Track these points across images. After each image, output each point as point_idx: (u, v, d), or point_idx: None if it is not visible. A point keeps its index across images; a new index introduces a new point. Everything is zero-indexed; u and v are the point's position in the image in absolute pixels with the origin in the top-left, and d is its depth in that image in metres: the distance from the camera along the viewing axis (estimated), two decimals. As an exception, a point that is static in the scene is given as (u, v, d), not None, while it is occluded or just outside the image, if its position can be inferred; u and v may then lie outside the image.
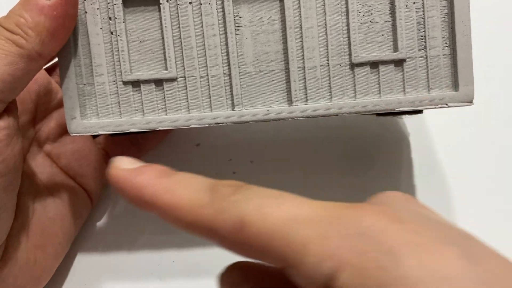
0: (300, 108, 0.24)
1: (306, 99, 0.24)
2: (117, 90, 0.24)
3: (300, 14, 0.24)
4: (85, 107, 0.24)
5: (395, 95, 0.24)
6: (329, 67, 0.24)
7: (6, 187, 0.22)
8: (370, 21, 0.24)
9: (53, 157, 0.28)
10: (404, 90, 0.24)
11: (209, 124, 0.24)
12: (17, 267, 0.25)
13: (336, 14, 0.24)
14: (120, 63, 0.24)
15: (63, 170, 0.28)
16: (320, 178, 0.31)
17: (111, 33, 0.24)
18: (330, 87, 0.24)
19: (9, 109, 0.23)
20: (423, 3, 0.24)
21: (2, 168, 0.22)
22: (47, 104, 0.28)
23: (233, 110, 0.24)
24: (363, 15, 0.24)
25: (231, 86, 0.24)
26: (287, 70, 0.24)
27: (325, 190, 0.31)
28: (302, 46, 0.24)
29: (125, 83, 0.24)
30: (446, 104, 0.24)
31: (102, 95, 0.24)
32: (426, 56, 0.24)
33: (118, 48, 0.24)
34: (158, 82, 0.24)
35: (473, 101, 0.24)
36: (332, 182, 0.31)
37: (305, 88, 0.24)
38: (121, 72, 0.24)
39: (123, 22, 0.24)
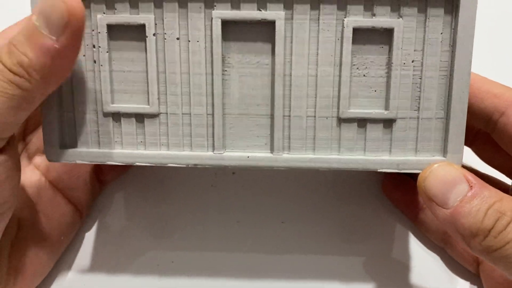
0: (282, 158, 0.23)
1: (289, 148, 0.23)
2: (97, 120, 0.23)
3: (291, 61, 0.22)
4: (64, 134, 0.24)
5: (380, 154, 0.23)
6: (315, 119, 0.23)
7: None
8: (364, 75, 0.23)
9: (43, 169, 0.28)
10: (390, 150, 0.23)
11: (187, 165, 0.23)
12: None
13: (329, 65, 0.22)
14: (101, 93, 0.23)
15: (52, 183, 0.28)
16: (313, 184, 0.32)
17: (94, 61, 0.23)
18: (314, 138, 0.23)
19: (9, 143, 0.22)
20: (422, 62, 0.22)
21: None
22: (38, 116, 0.27)
23: (213, 152, 0.23)
24: (357, 68, 0.23)
25: (213, 127, 0.23)
26: (272, 116, 0.23)
27: (318, 197, 0.31)
28: (290, 94, 0.23)
29: (105, 114, 0.23)
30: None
31: (82, 124, 0.23)
32: (418, 118, 0.23)
33: (100, 78, 0.23)
34: (139, 116, 0.23)
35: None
36: (325, 190, 0.31)
37: (289, 137, 0.23)
38: (101, 103, 0.23)
39: (107, 52, 0.23)
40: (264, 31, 0.22)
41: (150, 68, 0.23)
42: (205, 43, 0.22)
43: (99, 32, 0.22)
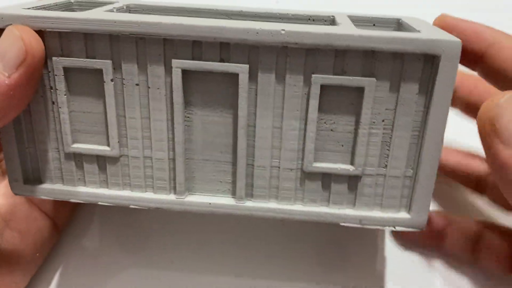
0: (244, 206, 0.23)
1: (252, 196, 0.23)
2: (59, 158, 0.23)
3: (255, 113, 0.21)
4: (28, 170, 0.23)
5: (344, 208, 0.23)
6: (279, 170, 0.22)
7: None
8: (331, 130, 0.22)
9: None
10: (354, 205, 0.23)
11: (149, 208, 0.23)
12: None
13: (294, 119, 0.21)
14: (61, 133, 0.22)
15: (28, 198, 0.27)
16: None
17: (53, 102, 0.22)
18: (278, 188, 0.23)
19: None
20: (393, 122, 0.21)
21: None
22: None
23: (175, 196, 0.23)
24: (325, 122, 0.21)
25: (175, 172, 0.23)
26: (235, 164, 0.22)
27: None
28: (254, 144, 0.22)
29: (67, 154, 0.23)
30: (394, 227, 0.23)
31: (45, 160, 0.23)
32: (385, 175, 0.22)
33: (59, 119, 0.22)
34: (101, 157, 0.23)
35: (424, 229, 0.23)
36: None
37: (252, 186, 0.23)
38: (62, 143, 0.23)
39: (65, 94, 0.22)
40: (227, 80, 0.21)
41: (109, 112, 0.22)
42: (166, 90, 0.21)
43: (56, 75, 0.21)
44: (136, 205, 0.23)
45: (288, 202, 0.23)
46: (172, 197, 0.23)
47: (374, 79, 0.20)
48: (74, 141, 0.23)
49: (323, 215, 0.23)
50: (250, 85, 0.21)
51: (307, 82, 0.21)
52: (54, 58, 0.21)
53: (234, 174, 0.23)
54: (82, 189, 0.23)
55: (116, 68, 0.21)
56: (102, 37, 0.21)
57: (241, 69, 0.20)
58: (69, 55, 0.21)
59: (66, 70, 0.21)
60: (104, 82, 0.21)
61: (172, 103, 0.21)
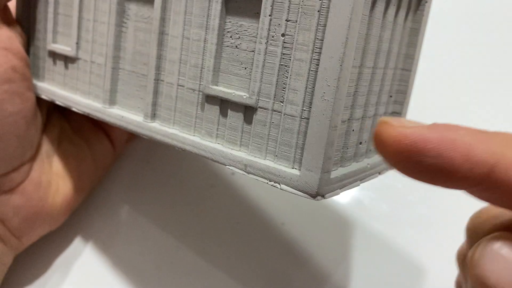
0: (147, 126, 0.21)
1: (156, 117, 0.21)
2: (45, 57, 0.26)
3: (170, 18, 0.20)
4: (37, 68, 0.26)
5: (236, 148, 0.18)
6: (184, 89, 0.20)
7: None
8: (236, 46, 0.18)
9: None
10: (248, 146, 0.18)
11: (83, 112, 0.23)
12: (41, 189, 0.26)
13: (200, 27, 0.19)
14: (46, 32, 0.25)
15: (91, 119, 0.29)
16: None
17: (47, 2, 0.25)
18: (182, 113, 0.20)
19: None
20: (293, 38, 0.16)
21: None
22: None
23: (103, 105, 0.23)
24: (231, 37, 0.18)
25: (104, 80, 0.22)
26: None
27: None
28: (166, 56, 0.20)
29: (49, 52, 0.25)
30: (279, 184, 0.17)
31: (38, 58, 0.26)
32: (282, 113, 0.17)
33: (47, 18, 0.25)
34: (67, 59, 0.24)
35: (319, 197, 0.16)
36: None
37: (161, 105, 0.20)
38: (46, 41, 0.25)
39: None
40: (154, -17, 0.20)
41: (73, 12, 0.23)
42: None
43: None
44: (75, 108, 0.24)
45: (188, 131, 0.20)
46: (99, 105, 0.23)
47: None
48: (54, 41, 0.25)
49: (212, 151, 0.19)
50: None
51: None
52: None
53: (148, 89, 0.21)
54: (50, 87, 0.25)
55: None
56: None
57: None
58: None
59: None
60: (73, -17, 0.23)
61: (111, 5, 0.22)
